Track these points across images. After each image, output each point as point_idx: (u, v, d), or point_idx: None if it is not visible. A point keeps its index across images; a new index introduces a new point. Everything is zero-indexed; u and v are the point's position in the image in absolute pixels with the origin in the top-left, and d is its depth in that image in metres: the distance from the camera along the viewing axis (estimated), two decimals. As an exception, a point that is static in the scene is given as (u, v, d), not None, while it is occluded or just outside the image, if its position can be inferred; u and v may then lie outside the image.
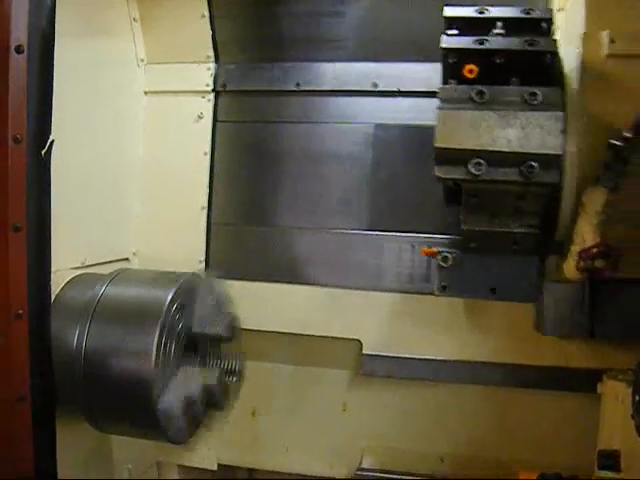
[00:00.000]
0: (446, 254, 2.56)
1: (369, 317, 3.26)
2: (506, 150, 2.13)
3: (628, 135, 2.14)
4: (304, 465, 3.53)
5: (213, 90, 3.43)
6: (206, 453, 3.59)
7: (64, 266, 2.76)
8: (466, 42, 2.22)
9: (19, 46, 2.08)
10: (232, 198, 3.49)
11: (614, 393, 2.60)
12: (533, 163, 2.11)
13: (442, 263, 2.56)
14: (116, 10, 3.23)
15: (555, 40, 2.25)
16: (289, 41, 3.30)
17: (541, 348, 3.06)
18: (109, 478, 3.23)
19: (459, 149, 2.16)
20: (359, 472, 3.33)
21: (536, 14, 2.31)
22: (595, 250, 2.22)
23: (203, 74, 3.42)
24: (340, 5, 3.17)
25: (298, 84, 3.31)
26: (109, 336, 2.58)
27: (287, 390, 3.52)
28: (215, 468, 3.60)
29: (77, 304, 2.66)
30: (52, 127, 2.24)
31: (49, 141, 2.20)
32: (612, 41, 2.31)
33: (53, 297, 2.62)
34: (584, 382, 2.91)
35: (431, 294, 3.02)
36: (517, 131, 2.10)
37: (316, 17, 2.92)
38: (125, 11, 3.28)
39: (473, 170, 2.14)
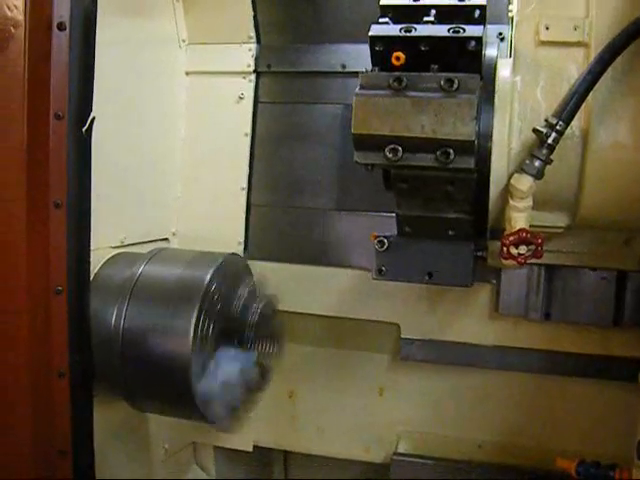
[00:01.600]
0: (382, 238, 2.57)
1: (408, 301, 3.23)
2: (420, 136, 2.13)
3: (552, 121, 2.17)
4: (340, 448, 3.55)
5: (254, 71, 3.42)
6: (242, 435, 3.54)
7: (103, 244, 2.79)
8: (392, 30, 2.22)
9: (61, 23, 2.12)
10: (272, 179, 3.47)
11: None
12: (448, 149, 2.11)
13: (378, 247, 2.57)
14: (158, -10, 3.23)
15: (483, 27, 2.23)
16: (331, 22, 3.27)
17: (582, 336, 3.04)
18: (145, 456, 3.27)
19: (375, 135, 2.18)
20: (395, 457, 3.32)
21: (469, 2, 2.28)
22: (514, 237, 2.23)
23: (244, 55, 3.41)
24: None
25: (344, 66, 3.27)
26: (147, 315, 2.61)
27: (325, 373, 3.52)
28: (251, 450, 3.61)
29: (116, 282, 2.69)
30: (93, 105, 2.25)
31: (90, 118, 2.22)
32: (547, 28, 2.35)
33: (92, 275, 2.64)
34: (627, 371, 2.88)
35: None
36: (430, 117, 2.11)
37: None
38: (167, -9, 3.28)
39: (389, 155, 2.15)
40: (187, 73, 3.48)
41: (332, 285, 3.35)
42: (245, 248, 3.44)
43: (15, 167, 2.08)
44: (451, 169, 2.17)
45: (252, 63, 3.41)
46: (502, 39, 2.59)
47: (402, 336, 3.28)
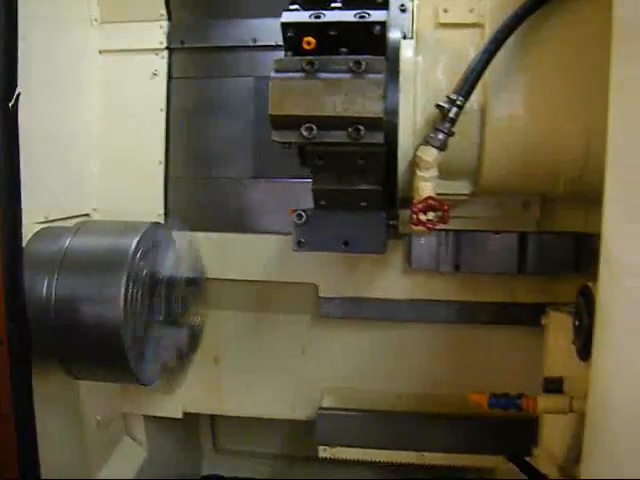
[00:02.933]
0: (300, 212, 2.69)
1: (325, 262, 3.37)
2: (332, 114, 2.27)
3: (453, 97, 2.31)
4: (267, 409, 3.66)
5: (167, 47, 3.49)
6: (171, 403, 3.69)
7: (28, 221, 2.80)
8: (303, 16, 2.33)
9: (-17, 3, 2.17)
10: (188, 152, 3.56)
11: (557, 324, 2.78)
12: (359, 126, 2.26)
13: (297, 220, 2.69)
14: (68, -31, 3.26)
15: (387, 12, 2.37)
16: None
17: (489, 285, 3.23)
18: (78, 426, 3.33)
19: (291, 115, 2.30)
20: (319, 411, 3.44)
21: None
22: (423, 204, 2.36)
23: (156, 32, 3.47)
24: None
25: (255, 40, 3.38)
26: (78, 285, 2.68)
27: (248, 337, 3.62)
28: (180, 416, 3.70)
29: (44, 256, 2.74)
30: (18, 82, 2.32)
31: (16, 94, 2.28)
32: (445, 11, 2.50)
33: None
34: (530, 315, 3.11)
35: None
36: (342, 97, 2.25)
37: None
38: (77, -30, 3.30)
39: (305, 133, 2.29)
40: (100, 52, 3.52)
41: (252, 251, 3.46)
42: (165, 219, 3.52)
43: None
44: (362, 144, 2.31)
45: (164, 40, 3.47)
46: (404, 10, 2.67)
47: (320, 295, 3.42)
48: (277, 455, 4.42)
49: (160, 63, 3.50)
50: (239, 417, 3.78)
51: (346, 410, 3.46)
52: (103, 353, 2.70)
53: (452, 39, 2.51)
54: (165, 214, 3.54)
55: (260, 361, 3.63)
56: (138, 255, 2.73)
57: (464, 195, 2.70)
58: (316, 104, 2.27)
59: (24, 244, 2.74)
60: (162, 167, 3.53)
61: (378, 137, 2.30)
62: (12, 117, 2.29)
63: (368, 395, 3.49)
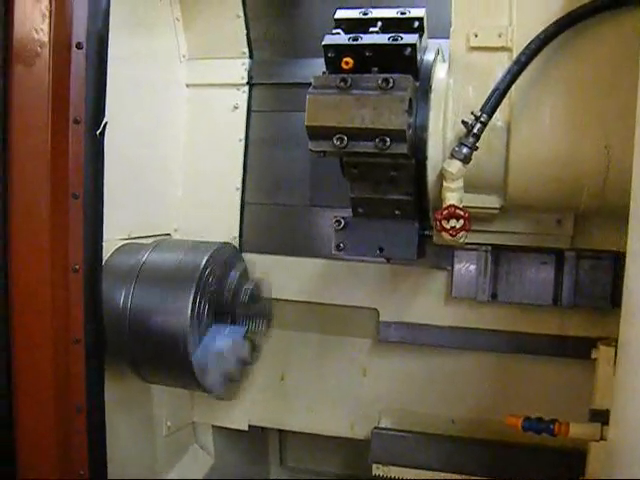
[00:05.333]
0: (339, 218, 2.90)
1: (385, 287, 3.52)
2: (361, 126, 2.46)
3: (477, 114, 2.44)
4: (327, 426, 3.78)
5: (247, 83, 3.73)
6: (238, 415, 3.87)
7: (112, 237, 3.09)
8: (342, 39, 2.57)
9: (79, 43, 2.44)
10: (263, 180, 3.78)
11: (607, 358, 2.83)
12: (385, 137, 2.44)
13: (336, 226, 2.91)
14: (160, 10, 3.55)
15: (419, 36, 2.58)
16: (311, 38, 3.45)
17: (544, 318, 3.31)
18: (149, 431, 3.56)
19: (324, 126, 2.50)
20: (375, 431, 3.57)
21: (409, 14, 2.64)
22: (445, 212, 2.49)
23: (238, 68, 3.72)
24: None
25: None
26: (151, 296, 2.93)
27: (312, 356, 3.77)
28: (246, 428, 3.87)
29: (124, 268, 3.01)
30: (106, 111, 2.60)
31: (103, 122, 2.56)
32: (476, 35, 2.62)
33: (104, 262, 2.94)
34: (581, 349, 3.16)
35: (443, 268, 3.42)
36: (370, 111, 2.43)
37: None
38: (168, 11, 3.60)
39: (337, 143, 2.48)
40: (187, 85, 3.79)
41: (317, 274, 3.63)
42: (239, 242, 3.73)
43: (40, 164, 2.41)
44: (389, 155, 2.50)
45: (245, 76, 3.72)
46: None
47: (380, 320, 3.55)
48: (340, 475, 4.51)
49: (241, 97, 3.75)
50: (307, 435, 3.90)
51: (401, 431, 3.57)
52: (170, 359, 2.92)
53: (482, 61, 2.65)
54: (240, 236, 3.76)
55: (323, 380, 3.78)
56: (207, 271, 2.96)
57: (494, 209, 2.81)
58: (347, 117, 2.48)
59: (107, 257, 3.02)
60: (239, 193, 3.76)
61: (402, 148, 2.48)
62: (99, 143, 2.56)
63: (423, 418, 3.59)
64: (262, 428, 4.02)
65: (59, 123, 2.44)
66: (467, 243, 2.81)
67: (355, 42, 2.56)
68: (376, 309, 3.58)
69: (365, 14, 2.70)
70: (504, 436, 3.35)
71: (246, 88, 3.75)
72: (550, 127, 2.56)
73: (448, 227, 2.51)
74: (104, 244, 2.82)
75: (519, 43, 2.53)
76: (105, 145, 2.64)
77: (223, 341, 3.01)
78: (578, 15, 2.45)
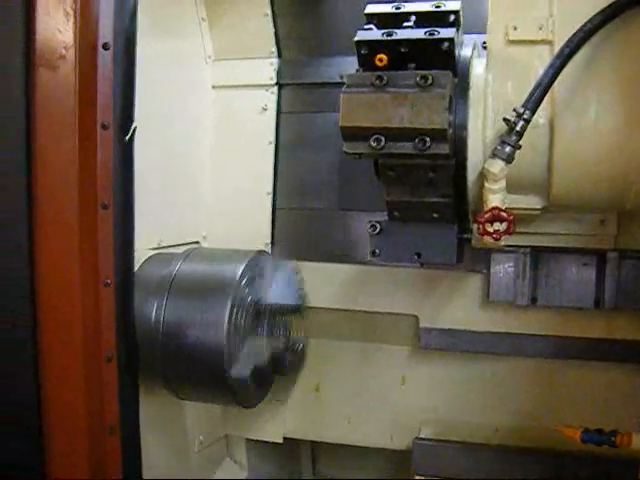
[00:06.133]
0: (374, 223, 2.80)
1: (422, 293, 3.40)
2: (399, 126, 2.34)
3: (520, 111, 2.32)
4: (365, 437, 3.66)
5: (276, 83, 3.62)
6: (272, 427, 3.74)
7: (142, 246, 2.97)
8: (375, 35, 2.45)
9: (106, 43, 2.33)
10: (295, 184, 3.67)
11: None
12: (425, 137, 2.32)
13: (371, 231, 2.80)
14: (186, 11, 3.46)
15: (456, 30, 2.46)
16: (342, 36, 3.43)
17: (587, 321, 3.19)
18: (182, 446, 3.46)
19: (360, 127, 2.39)
20: (416, 442, 3.43)
21: (444, 7, 2.52)
22: (488, 215, 2.38)
23: (267, 69, 3.61)
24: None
25: None
26: (185, 308, 2.82)
27: (349, 365, 3.65)
28: (281, 441, 3.75)
29: (155, 279, 2.90)
30: (134, 116, 2.48)
31: (132, 127, 2.44)
32: (515, 28, 2.50)
33: None
34: (631, 353, 3.06)
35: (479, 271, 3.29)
36: (408, 110, 2.31)
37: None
38: (194, 12, 3.49)
39: (374, 144, 2.36)
40: (214, 87, 3.68)
41: (353, 281, 3.51)
42: (272, 249, 3.60)
43: (68, 171, 2.30)
44: (429, 155, 2.38)
45: (274, 76, 3.61)
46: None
47: (420, 326, 3.43)
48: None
49: (270, 98, 3.63)
50: (339, 445, 3.78)
51: (443, 441, 3.44)
52: (206, 375, 2.81)
53: (522, 55, 2.53)
54: (272, 243, 3.64)
55: (360, 390, 3.65)
56: (243, 282, 2.85)
57: (536, 210, 2.70)
58: (384, 116, 2.36)
59: (136, 268, 2.90)
60: (270, 198, 3.65)
61: (443, 148, 2.36)
62: (128, 149, 2.45)
63: (465, 427, 3.47)
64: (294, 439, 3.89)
65: (87, 129, 2.34)
66: (505, 245, 2.66)
67: (389, 37, 2.44)
68: (415, 315, 3.46)
69: (398, 8, 2.59)
70: (549, 443, 3.22)
71: (275, 89, 3.64)
72: (596, 123, 2.44)
73: (492, 230, 2.40)
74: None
75: (561, 35, 2.41)
76: (135, 152, 2.53)
77: (261, 354, 2.88)
78: (624, 4, 2.33)
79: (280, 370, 3.06)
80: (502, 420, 3.41)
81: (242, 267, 2.85)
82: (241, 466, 3.96)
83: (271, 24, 3.55)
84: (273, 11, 3.53)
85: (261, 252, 3.08)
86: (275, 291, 3.02)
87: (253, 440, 3.90)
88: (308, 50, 3.63)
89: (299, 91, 3.66)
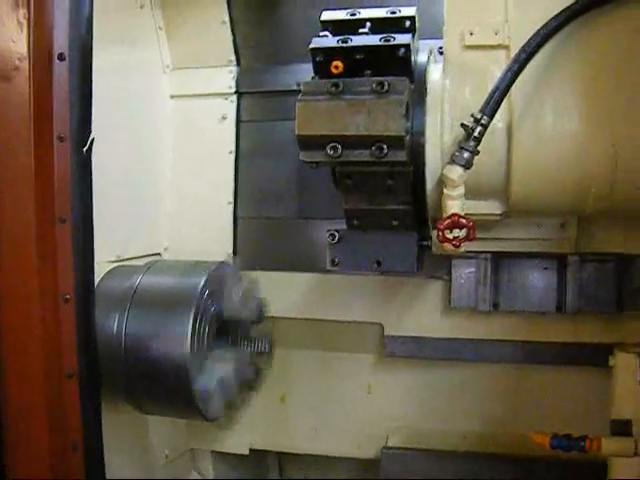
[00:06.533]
0: (333, 232, 2.78)
1: (386, 300, 3.39)
2: (355, 134, 2.32)
3: (477, 116, 2.31)
4: (332, 447, 3.65)
5: (236, 92, 3.59)
6: (238, 439, 3.72)
7: (101, 259, 2.90)
8: (330, 42, 2.45)
9: (61, 54, 2.27)
10: (255, 193, 3.63)
11: (625, 365, 2.74)
12: (382, 144, 2.31)
13: (330, 240, 2.78)
14: (142, 19, 3.41)
15: (412, 36, 2.46)
16: (301, 43, 3.45)
17: (549, 325, 3.20)
18: (147, 461, 3.41)
19: (316, 135, 2.37)
20: (385, 451, 3.44)
21: (400, 13, 2.52)
22: (448, 222, 2.36)
23: (225, 77, 3.58)
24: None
25: None
26: (147, 321, 2.77)
27: (314, 375, 3.64)
28: (247, 453, 3.73)
29: (116, 293, 2.85)
30: (92, 127, 2.43)
31: (90, 139, 2.39)
32: (471, 34, 2.50)
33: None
34: (596, 356, 3.05)
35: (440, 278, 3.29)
36: (365, 117, 2.30)
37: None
38: (151, 20, 3.45)
39: (330, 153, 2.34)
40: (172, 96, 3.64)
41: (315, 289, 3.49)
42: (234, 259, 3.55)
43: (24, 185, 2.24)
44: (387, 163, 2.37)
45: (233, 85, 3.58)
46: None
47: (385, 334, 3.42)
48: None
49: (229, 107, 3.60)
50: (306, 455, 3.77)
51: (411, 449, 3.44)
52: (169, 388, 2.75)
53: (478, 60, 2.52)
54: (234, 253, 3.60)
55: (326, 399, 3.64)
56: (206, 294, 2.80)
57: (496, 215, 2.68)
58: (340, 124, 2.34)
59: (97, 282, 2.85)
60: (231, 207, 3.62)
61: (401, 155, 2.35)
62: (86, 161, 2.39)
63: (433, 435, 3.46)
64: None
65: (42, 141, 2.28)
66: (466, 251, 2.63)
67: (345, 44, 2.43)
68: (380, 323, 3.45)
69: (353, 15, 2.58)
70: (518, 449, 3.24)
71: (234, 97, 3.61)
72: (554, 128, 2.43)
73: (451, 237, 2.38)
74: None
75: (517, 40, 2.40)
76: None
77: (226, 366, 2.85)
78: (579, 9, 2.34)
79: (245, 382, 3.02)
80: (470, 427, 3.42)
81: (204, 279, 2.81)
82: (207, 479, 3.90)
83: (229, 32, 3.52)
84: (231, 18, 3.50)
85: (223, 263, 3.03)
86: (237, 302, 2.98)
87: (219, 452, 3.85)
88: (266, 58, 3.60)
89: (258, 99, 3.63)
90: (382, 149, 2.32)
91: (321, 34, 2.53)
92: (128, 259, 3.21)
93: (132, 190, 3.33)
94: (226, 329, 2.99)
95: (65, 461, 2.42)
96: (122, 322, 2.77)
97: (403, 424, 3.53)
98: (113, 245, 3.12)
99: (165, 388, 2.77)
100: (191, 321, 2.69)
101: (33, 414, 2.35)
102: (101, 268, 2.93)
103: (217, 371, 2.83)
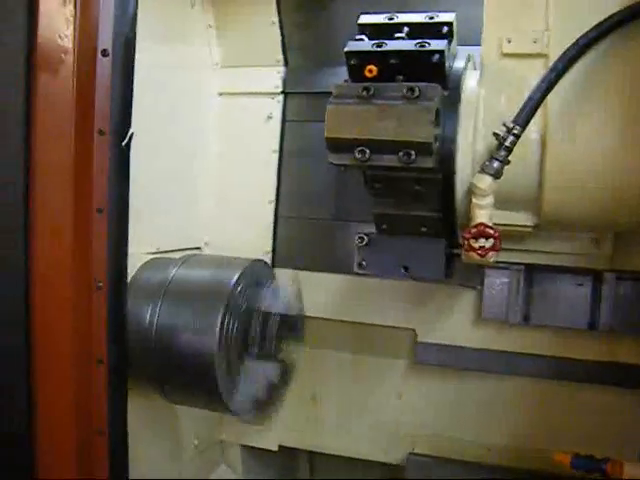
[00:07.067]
0: (362, 235, 2.79)
1: (420, 307, 3.38)
2: (383, 138, 2.32)
3: (510, 125, 2.28)
4: (360, 449, 3.66)
5: (282, 92, 3.63)
6: (268, 434, 3.76)
7: (140, 250, 3.01)
8: (365, 46, 2.45)
9: (104, 50, 2.34)
10: (298, 192, 3.67)
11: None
12: (410, 150, 2.30)
13: (358, 243, 2.79)
14: (193, 18, 3.48)
15: (448, 42, 2.44)
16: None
17: (581, 342, 3.15)
18: (176, 450, 3.47)
19: (345, 138, 2.37)
20: (410, 457, 3.45)
21: (438, 19, 2.50)
22: (474, 231, 2.34)
23: (273, 77, 3.62)
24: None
25: None
26: (178, 314, 2.82)
27: (346, 377, 3.65)
28: (276, 449, 3.77)
29: (151, 284, 2.91)
30: (132, 121, 2.48)
31: (129, 133, 2.46)
32: (509, 41, 2.48)
33: (129, 278, 2.85)
34: (631, 377, 3.02)
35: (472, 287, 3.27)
36: (393, 122, 2.29)
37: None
38: (201, 19, 3.52)
39: (358, 156, 2.35)
40: (220, 94, 3.70)
41: (352, 292, 3.50)
42: (273, 257, 3.63)
43: (63, 176, 2.32)
44: (415, 169, 2.37)
45: (280, 84, 3.62)
46: None
47: (418, 340, 3.41)
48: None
49: (275, 106, 3.64)
50: (338, 456, 3.78)
51: (436, 458, 3.45)
52: (196, 380, 2.81)
53: (515, 69, 2.50)
54: (273, 251, 3.65)
55: (356, 401, 3.66)
56: (238, 290, 2.84)
57: (528, 227, 2.65)
58: (369, 128, 2.35)
59: (134, 273, 2.93)
60: (272, 206, 3.66)
61: (428, 162, 2.34)
62: (125, 155, 2.46)
63: (459, 444, 3.45)
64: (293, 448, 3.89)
65: (83, 134, 2.34)
66: (498, 261, 2.63)
67: (379, 49, 2.44)
68: (413, 329, 3.45)
69: (391, 19, 2.58)
70: (543, 466, 3.20)
71: (281, 97, 3.65)
72: (589, 140, 2.41)
73: (477, 247, 2.37)
74: (131, 258, 2.72)
75: (556, 49, 2.39)
76: (135, 156, 2.55)
77: (253, 362, 2.88)
78: (621, 19, 2.30)
79: (275, 381, 3.05)
80: (495, 440, 3.39)
81: (237, 274, 2.85)
82: (236, 472, 3.95)
83: (278, 32, 3.55)
84: (280, 19, 3.53)
85: (258, 260, 3.07)
86: (270, 300, 3.02)
87: (249, 447, 3.89)
88: (313, 59, 3.63)
89: (304, 100, 3.66)
90: (410, 155, 2.32)
91: (357, 37, 2.54)
92: (168, 252, 3.26)
93: (175, 184, 3.39)
94: (257, 326, 3.00)
95: (90, 445, 2.49)
96: (155, 313, 2.82)
97: (431, 432, 3.52)
98: (153, 237, 3.19)
99: (192, 380, 2.82)
100: (220, 316, 2.73)
101: (61, 397, 2.42)
102: (138, 259, 3.00)
103: (245, 367, 2.88)
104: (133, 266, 2.93)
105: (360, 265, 2.82)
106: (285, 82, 3.63)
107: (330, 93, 3.41)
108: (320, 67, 3.59)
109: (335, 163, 2.46)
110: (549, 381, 3.25)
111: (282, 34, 3.57)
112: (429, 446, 3.50)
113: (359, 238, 2.81)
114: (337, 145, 2.42)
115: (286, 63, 3.64)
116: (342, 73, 3.33)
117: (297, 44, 3.62)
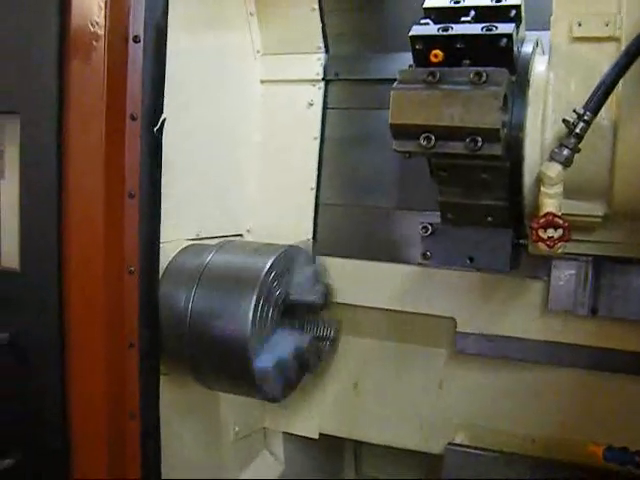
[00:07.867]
0: (426, 224, 2.72)
1: (463, 295, 3.32)
2: (450, 125, 2.25)
3: (580, 112, 2.19)
4: (400, 438, 3.62)
5: (323, 79, 3.60)
6: (308, 422, 3.75)
7: (180, 237, 3.05)
8: (430, 30, 2.37)
9: (136, 36, 2.37)
10: (339, 180, 3.64)
11: None
12: (476, 137, 2.22)
13: (422, 233, 2.73)
14: (234, 5, 3.48)
15: (516, 25, 2.34)
16: (392, 32, 3.42)
17: (635, 334, 3.05)
18: (216, 437, 3.50)
19: (410, 124, 2.31)
20: (449, 447, 3.39)
21: (505, 2, 2.39)
22: (543, 220, 2.27)
23: (314, 64, 3.60)
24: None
25: None
26: (212, 299, 2.84)
27: (387, 365, 3.61)
28: (316, 437, 3.75)
29: (187, 269, 2.93)
30: (164, 107, 2.51)
31: (161, 119, 2.48)
32: (579, 25, 2.37)
33: (167, 263, 2.92)
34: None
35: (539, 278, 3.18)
36: (460, 108, 2.21)
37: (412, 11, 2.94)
38: (242, 5, 3.51)
39: (423, 143, 2.27)
40: (262, 81, 3.69)
41: (392, 280, 3.46)
42: (313, 244, 3.60)
43: (95, 160, 2.35)
44: (481, 156, 2.29)
45: (321, 72, 3.59)
46: None
47: (457, 330, 3.36)
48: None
49: (316, 93, 3.62)
50: (383, 446, 3.74)
51: (476, 448, 3.37)
52: (230, 367, 2.84)
53: (587, 53, 2.41)
54: (314, 238, 3.62)
55: (397, 390, 3.61)
56: (271, 276, 2.85)
57: (597, 217, 2.56)
58: (434, 114, 2.29)
59: (172, 258, 2.96)
60: (314, 193, 3.64)
61: (496, 149, 2.27)
62: (157, 140, 2.48)
63: (501, 435, 3.38)
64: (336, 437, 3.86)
65: (115, 119, 2.38)
66: (566, 253, 2.56)
67: (445, 33, 2.37)
68: (454, 318, 3.38)
69: (457, 2, 2.49)
70: (589, 459, 3.04)
71: (322, 84, 3.62)
72: None
73: (545, 237, 2.30)
74: (169, 244, 2.76)
75: (629, 32, 2.28)
76: (177, 143, 2.59)
77: (286, 348, 2.89)
78: None
79: (307, 366, 3.05)
80: (541, 431, 3.31)
81: (271, 261, 2.85)
82: (278, 460, 3.95)
83: (319, 19, 3.52)
84: (321, 6, 3.51)
85: (294, 246, 3.08)
86: (304, 285, 3.01)
87: (291, 434, 3.89)
88: (356, 46, 3.60)
89: (346, 87, 3.63)
90: (477, 142, 2.25)
91: (422, 21, 2.47)
92: (207, 238, 3.27)
93: (217, 171, 3.41)
94: (292, 312, 3.02)
95: (122, 428, 2.53)
96: (189, 298, 2.85)
97: (472, 422, 3.46)
98: (193, 223, 3.21)
99: (225, 366, 2.85)
100: (254, 301, 2.75)
101: (94, 380, 2.47)
102: (177, 245, 3.03)
103: (278, 352, 2.88)
104: (172, 252, 2.97)
105: (424, 255, 2.77)
106: (326, 69, 3.60)
107: (370, 80, 3.48)
108: (362, 54, 3.57)
109: (399, 150, 2.41)
110: (600, 373, 3.16)
111: (322, 21, 3.54)
112: (470, 436, 3.44)
113: (423, 228, 2.75)
114: (402, 131, 2.37)
115: (327, 50, 3.61)
116: (384, 60, 3.42)
117: (338, 31, 3.58)
